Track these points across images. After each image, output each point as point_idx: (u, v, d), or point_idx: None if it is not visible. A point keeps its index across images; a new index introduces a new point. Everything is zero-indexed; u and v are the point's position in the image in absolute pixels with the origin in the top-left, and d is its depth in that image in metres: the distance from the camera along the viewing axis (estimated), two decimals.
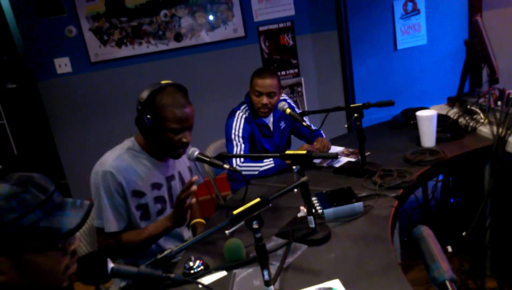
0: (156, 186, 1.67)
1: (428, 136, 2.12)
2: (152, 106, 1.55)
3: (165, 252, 1.05)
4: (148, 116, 1.55)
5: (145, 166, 1.64)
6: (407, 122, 2.53)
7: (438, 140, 2.14)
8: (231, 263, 1.38)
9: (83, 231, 1.77)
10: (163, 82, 1.61)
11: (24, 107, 3.69)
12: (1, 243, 0.80)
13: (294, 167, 1.39)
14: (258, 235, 1.09)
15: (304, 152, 1.42)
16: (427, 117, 2.09)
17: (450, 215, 2.65)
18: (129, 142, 1.66)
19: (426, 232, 0.71)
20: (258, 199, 1.10)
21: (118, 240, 1.60)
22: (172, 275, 1.01)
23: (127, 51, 3.58)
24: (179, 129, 1.58)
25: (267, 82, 2.21)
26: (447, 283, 0.62)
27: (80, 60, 3.57)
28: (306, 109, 3.74)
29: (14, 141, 3.66)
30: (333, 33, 3.62)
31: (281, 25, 3.61)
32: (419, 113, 2.13)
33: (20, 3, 3.42)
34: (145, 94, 1.55)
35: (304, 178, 1.26)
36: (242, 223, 1.08)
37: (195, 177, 1.50)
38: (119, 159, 1.58)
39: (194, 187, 1.48)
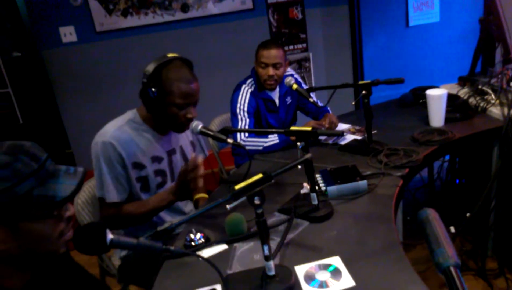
0: (156, 159, 1.66)
1: (437, 116, 2.08)
2: (157, 80, 1.52)
3: (165, 225, 1.05)
4: (153, 90, 1.52)
5: (146, 139, 1.63)
6: (416, 101, 2.48)
7: (447, 120, 2.10)
8: (232, 237, 1.38)
9: (85, 199, 1.78)
10: (169, 55, 1.57)
11: (29, 76, 3.67)
12: None
13: (298, 143, 1.37)
14: (259, 211, 1.08)
15: (310, 128, 1.39)
16: (437, 96, 2.05)
17: (454, 196, 2.63)
18: (131, 114, 1.65)
19: (432, 215, 0.69)
20: (260, 175, 1.09)
21: (119, 210, 1.61)
22: (172, 248, 1.00)
23: (133, 21, 3.52)
24: (184, 105, 1.55)
25: (273, 53, 2.16)
26: (452, 269, 0.60)
27: (85, 30, 3.52)
28: (313, 85, 3.69)
29: (19, 110, 3.66)
30: (343, 7, 3.53)
31: None
32: (428, 92, 2.08)
33: None
34: (151, 67, 1.52)
35: (308, 155, 1.24)
36: (244, 198, 1.07)
37: (200, 159, 1.50)
38: (119, 130, 1.57)
39: (202, 170, 1.48)
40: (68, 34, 3.53)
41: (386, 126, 2.19)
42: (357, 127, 2.23)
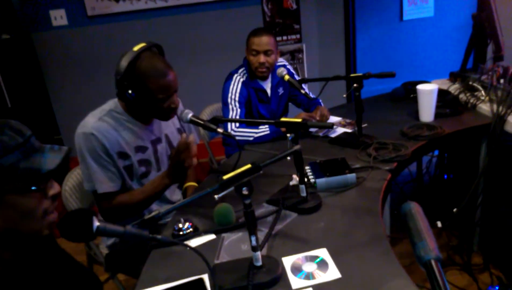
0: (140, 149, 1.64)
1: (427, 111, 2.09)
2: (132, 79, 1.47)
3: (153, 213, 1.04)
4: (130, 91, 1.48)
5: (128, 129, 1.59)
6: (407, 95, 2.49)
7: (437, 115, 2.11)
8: (220, 227, 1.38)
9: (72, 186, 1.77)
10: (136, 47, 1.49)
11: (18, 59, 3.60)
12: None
13: (288, 135, 1.37)
14: (247, 201, 1.08)
15: (300, 120, 1.39)
16: (427, 91, 2.05)
17: (442, 191, 2.66)
18: (112, 104, 1.60)
19: (415, 209, 0.69)
20: (249, 165, 1.09)
21: (114, 201, 1.58)
22: (159, 236, 1.00)
23: (125, 6, 3.46)
24: (165, 98, 1.52)
25: (264, 40, 2.15)
26: (432, 262, 0.61)
27: (76, 13, 3.46)
28: (306, 76, 3.68)
29: (7, 94, 3.59)
30: None
31: None
32: (419, 87, 2.09)
33: None
34: (122, 66, 1.45)
35: (297, 147, 1.24)
36: (232, 188, 1.07)
37: (191, 137, 1.47)
38: (100, 121, 1.53)
39: (194, 148, 1.46)
40: (58, 17, 3.47)
41: (376, 120, 2.20)
42: (348, 120, 2.23)
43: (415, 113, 2.18)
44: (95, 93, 3.56)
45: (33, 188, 0.86)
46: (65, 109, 3.69)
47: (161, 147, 1.71)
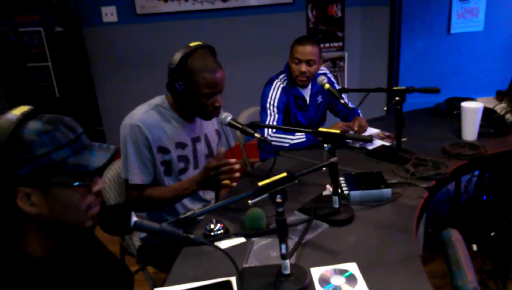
0: (180, 145, 1.69)
1: (470, 129, 2.02)
2: (183, 71, 1.54)
3: (187, 214, 1.07)
4: (180, 82, 1.54)
5: (171, 125, 1.65)
6: (450, 111, 2.42)
7: (480, 135, 2.04)
8: (251, 231, 1.39)
9: (112, 178, 1.83)
10: (192, 44, 1.57)
11: (69, 52, 3.77)
12: (33, 175, 0.84)
13: (325, 145, 1.37)
14: (280, 209, 1.09)
15: (338, 131, 1.39)
16: (472, 109, 1.99)
17: (480, 212, 2.57)
18: (159, 99, 1.67)
19: (455, 236, 0.68)
20: (284, 174, 1.09)
21: (143, 193, 1.64)
22: (192, 236, 1.02)
23: (173, 6, 3.55)
24: (210, 94, 1.57)
25: (307, 50, 2.15)
26: None
27: (126, 11, 3.58)
28: (345, 85, 3.64)
29: (56, 84, 3.77)
30: (384, 8, 3.46)
31: None
32: (464, 104, 2.03)
33: None
34: (176, 59, 1.53)
35: (333, 159, 1.24)
36: (266, 195, 1.08)
37: (222, 150, 1.53)
38: (147, 114, 1.60)
39: (237, 174, 1.51)
40: (109, 14, 3.61)
41: (416, 135, 2.15)
42: (387, 133, 2.19)
43: (457, 131, 2.12)
44: (138, 89, 3.68)
45: (79, 183, 0.90)
46: (109, 102, 3.83)
47: (200, 146, 1.76)
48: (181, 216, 1.04)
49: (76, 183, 0.89)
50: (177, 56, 1.53)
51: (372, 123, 2.37)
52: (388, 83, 3.58)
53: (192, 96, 1.57)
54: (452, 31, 3.55)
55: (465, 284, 0.61)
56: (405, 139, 2.01)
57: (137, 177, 1.61)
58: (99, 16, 3.60)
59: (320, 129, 1.43)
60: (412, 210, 1.47)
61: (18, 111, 0.86)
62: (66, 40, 3.75)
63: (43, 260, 0.92)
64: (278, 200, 1.08)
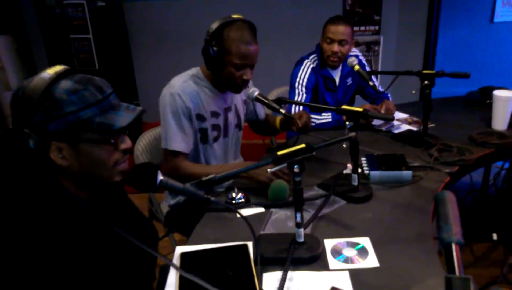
0: (214, 114, 1.75)
1: (501, 118, 1.99)
2: (219, 38, 1.58)
3: (210, 176, 1.13)
4: (214, 48, 1.59)
5: (206, 94, 1.71)
6: (483, 100, 2.37)
7: (511, 125, 2.00)
8: (273, 202, 1.44)
9: (144, 146, 1.93)
10: (234, 16, 1.62)
11: (109, 25, 3.90)
12: (63, 131, 0.92)
13: (347, 122, 1.39)
14: (297, 179, 1.14)
15: (361, 109, 1.41)
16: (504, 97, 1.95)
17: (506, 205, 2.52)
18: (194, 70, 1.74)
19: (449, 197, 0.71)
20: (303, 145, 1.14)
21: (182, 163, 1.68)
22: (213, 198, 1.09)
23: None
24: (240, 65, 1.61)
25: (340, 29, 2.15)
26: (453, 245, 0.63)
27: None
28: (380, 70, 3.59)
29: (96, 56, 3.92)
30: None
31: None
32: (496, 92, 1.99)
33: None
34: (214, 25, 1.58)
35: (352, 134, 1.27)
36: (285, 164, 1.13)
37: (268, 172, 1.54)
38: (185, 83, 1.67)
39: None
40: None
41: (445, 122, 2.13)
42: (415, 118, 2.18)
43: (488, 120, 2.08)
44: (174, 64, 3.76)
45: (105, 141, 0.97)
46: (146, 76, 3.95)
47: (231, 115, 1.82)
48: (203, 178, 1.11)
49: (102, 141, 0.96)
50: (216, 24, 1.58)
51: (402, 108, 2.36)
52: (423, 69, 3.50)
53: (223, 63, 1.61)
54: (496, 19, 3.41)
55: (450, 236, 0.64)
56: (432, 125, 2.00)
57: (178, 145, 1.66)
58: None
59: (343, 107, 1.45)
60: (431, 193, 1.48)
61: (52, 70, 0.93)
62: (107, 14, 3.87)
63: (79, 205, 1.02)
64: (296, 170, 1.13)
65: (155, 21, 3.77)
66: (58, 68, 0.95)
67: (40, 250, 0.88)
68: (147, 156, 1.94)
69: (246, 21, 1.64)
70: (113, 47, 3.95)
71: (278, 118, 1.92)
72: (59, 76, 0.93)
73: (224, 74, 1.64)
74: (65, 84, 0.93)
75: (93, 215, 0.96)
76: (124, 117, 0.98)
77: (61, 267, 0.91)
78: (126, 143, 1.03)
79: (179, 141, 1.66)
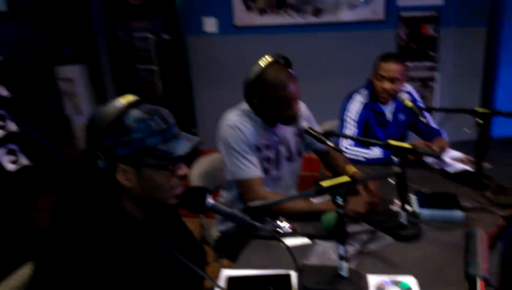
0: (267, 147, 1.81)
1: None
2: (256, 89, 1.65)
3: (257, 203, 1.19)
4: (255, 100, 1.67)
5: (259, 128, 1.78)
6: None
7: None
8: (325, 231, 1.45)
9: (199, 172, 2.01)
10: (264, 60, 1.67)
11: (173, 57, 4.17)
12: (129, 156, 1.02)
13: (395, 158, 1.40)
14: (340, 211, 1.16)
15: (409, 146, 1.41)
16: None
17: None
18: (245, 105, 1.79)
19: (481, 235, 0.71)
20: (347, 178, 1.16)
21: (262, 192, 1.70)
22: (258, 224, 1.13)
23: (268, 19, 3.76)
24: (283, 107, 1.66)
25: (392, 67, 2.16)
26: (478, 279, 0.63)
27: (226, 23, 3.87)
28: (436, 106, 3.52)
29: (160, 86, 4.19)
30: (481, 30, 3.30)
31: (426, 13, 3.40)
32: None
33: None
34: (249, 76, 1.66)
35: (396, 169, 1.27)
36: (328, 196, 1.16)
37: None
38: (241, 117, 1.75)
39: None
40: (210, 25, 3.93)
41: (505, 163, 2.04)
42: (471, 158, 2.11)
43: None
44: (232, 96, 3.91)
45: (164, 167, 1.06)
46: (204, 106, 4.15)
47: (282, 148, 1.87)
48: (250, 204, 1.16)
49: (162, 166, 1.06)
50: (250, 75, 1.66)
51: (458, 146, 2.29)
52: (482, 106, 3.39)
53: (268, 109, 1.69)
54: None
55: (476, 271, 0.64)
56: (490, 166, 1.93)
57: (248, 171, 1.70)
58: (201, 26, 3.94)
59: (391, 142, 1.46)
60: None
61: (124, 100, 1.05)
62: (171, 47, 4.15)
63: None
64: (339, 202, 1.16)
65: (214, 54, 3.99)
66: (130, 98, 1.06)
67: (95, 263, 0.97)
68: (202, 181, 2.03)
69: (277, 61, 1.69)
70: (175, 78, 4.20)
71: (351, 168, 1.86)
72: (130, 106, 1.04)
73: (270, 115, 1.72)
74: (135, 113, 1.03)
75: (146, 233, 1.04)
76: (183, 146, 1.06)
77: (114, 281, 0.99)
78: (183, 170, 1.11)
79: (249, 166, 1.70)
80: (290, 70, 1.71)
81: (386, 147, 1.47)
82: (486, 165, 1.84)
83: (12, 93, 2.91)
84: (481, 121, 1.73)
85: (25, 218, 2.99)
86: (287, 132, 1.89)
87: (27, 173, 3.12)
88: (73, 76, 4.26)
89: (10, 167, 2.94)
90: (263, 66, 1.66)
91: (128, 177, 1.04)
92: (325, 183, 1.14)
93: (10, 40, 4.25)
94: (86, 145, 1.06)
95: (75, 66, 4.30)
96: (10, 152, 2.97)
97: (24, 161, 3.00)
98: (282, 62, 1.72)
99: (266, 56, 1.69)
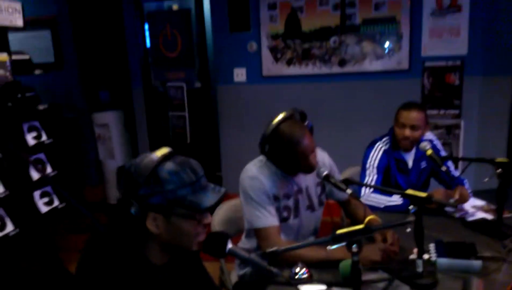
0: (286, 196, 1.87)
1: None
2: (272, 144, 1.74)
3: (274, 248, 1.25)
4: (273, 155, 1.75)
5: (278, 177, 1.84)
6: None
7: None
8: (342, 278, 1.47)
9: (220, 217, 2.09)
10: (278, 117, 1.75)
11: (203, 104, 4.38)
12: (161, 205, 1.11)
13: (411, 207, 1.44)
14: (355, 259, 1.21)
15: (425, 194, 1.45)
16: None
17: None
18: (263, 157, 1.86)
19: (477, 283, 0.74)
20: (362, 226, 1.22)
21: (278, 240, 1.74)
22: (274, 270, 1.19)
23: (294, 70, 3.94)
24: (300, 160, 1.73)
25: (412, 115, 2.22)
26: None
27: (254, 73, 4.08)
28: (461, 154, 3.51)
29: (189, 131, 4.38)
30: (507, 78, 3.34)
31: (450, 63, 3.49)
32: None
33: (217, 19, 4.11)
34: (265, 133, 1.75)
35: (411, 218, 1.31)
36: (344, 243, 1.21)
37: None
38: (261, 169, 1.83)
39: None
40: (240, 74, 4.14)
41: None
42: (492, 207, 2.11)
43: None
44: (257, 142, 4.05)
45: (192, 216, 1.14)
46: (230, 152, 4.29)
47: (302, 198, 1.92)
48: (268, 250, 1.23)
49: (190, 216, 1.14)
50: (266, 131, 1.74)
51: (480, 194, 2.29)
52: (508, 156, 3.36)
53: (284, 162, 1.76)
54: None
55: None
56: (511, 215, 1.92)
57: (266, 220, 1.76)
58: (231, 76, 4.15)
59: (407, 191, 1.50)
60: (502, 286, 1.42)
61: (160, 153, 1.15)
62: (202, 95, 4.38)
63: (159, 267, 1.19)
64: (354, 249, 1.21)
65: (243, 101, 4.17)
66: (164, 150, 1.16)
67: None
68: (223, 226, 2.11)
69: (293, 116, 1.77)
70: (204, 123, 4.40)
71: (368, 218, 1.80)
72: (164, 158, 1.14)
73: (288, 167, 1.79)
74: (168, 165, 1.12)
75: (164, 279, 1.12)
76: (210, 198, 1.15)
77: None
78: (208, 219, 1.19)
79: (267, 216, 1.76)
80: (305, 122, 1.80)
81: (403, 196, 1.51)
82: (507, 213, 1.84)
83: (52, 138, 3.13)
84: (500, 170, 1.75)
85: (52, 258, 3.10)
86: (309, 181, 1.93)
87: (59, 213, 3.25)
88: (108, 121, 4.53)
89: (44, 209, 3.08)
90: (277, 122, 1.74)
91: (157, 224, 1.12)
92: (340, 231, 1.20)
93: (54, 89, 4.61)
94: (121, 193, 1.15)
95: (111, 112, 4.58)
96: (44, 194, 3.12)
97: (56, 202, 3.15)
98: (297, 116, 1.81)
99: (281, 113, 1.77)
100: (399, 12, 3.55)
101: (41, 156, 3.13)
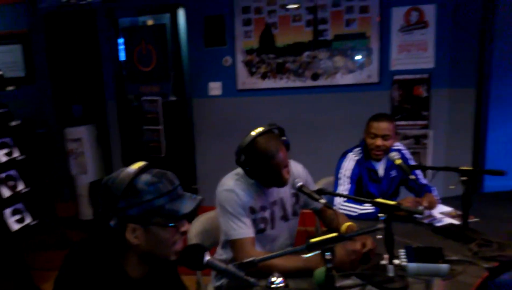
0: (262, 208, 1.91)
1: None
2: (248, 156, 1.79)
3: (250, 258, 1.28)
4: (247, 168, 1.80)
5: (255, 190, 1.88)
6: None
7: None
8: (317, 286, 1.50)
9: (197, 231, 2.11)
10: (254, 131, 1.81)
11: (178, 118, 4.39)
12: (139, 216, 1.13)
13: (380, 215, 1.51)
14: (329, 265, 1.26)
15: (394, 202, 1.52)
16: None
17: None
18: (240, 170, 1.90)
19: (438, 284, 0.80)
20: (335, 234, 1.27)
21: (253, 252, 1.75)
22: (251, 279, 1.23)
23: (269, 83, 4.02)
24: (275, 173, 1.78)
25: (383, 126, 2.32)
26: None
27: (229, 86, 4.13)
28: (429, 163, 3.65)
29: (164, 145, 4.38)
30: (470, 90, 3.51)
31: (418, 76, 3.64)
32: None
33: (193, 34, 4.16)
34: (240, 146, 1.80)
35: (379, 225, 1.38)
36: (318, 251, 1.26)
37: None
38: (238, 181, 1.86)
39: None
40: (215, 88, 4.19)
41: (490, 217, 2.13)
42: (459, 212, 2.20)
43: None
44: (232, 154, 4.08)
45: (170, 225, 1.17)
46: (205, 164, 4.31)
47: (277, 209, 1.96)
48: (245, 261, 1.26)
49: (169, 224, 1.17)
50: (241, 145, 1.79)
51: (448, 201, 2.39)
52: (473, 164, 3.51)
53: (259, 175, 1.81)
54: None
55: None
56: (476, 219, 2.02)
57: (241, 231, 1.79)
58: (206, 89, 4.19)
59: (377, 199, 1.57)
60: (468, 287, 1.50)
61: (136, 166, 1.18)
62: (178, 108, 4.39)
63: (137, 280, 1.21)
64: (328, 257, 1.25)
65: (218, 115, 4.21)
66: (140, 164, 1.19)
67: None
68: (199, 238, 2.12)
69: (270, 130, 1.82)
70: (179, 137, 4.40)
71: (346, 224, 1.91)
72: (141, 171, 1.17)
73: (262, 180, 1.84)
74: (145, 177, 1.15)
75: None
76: (187, 205, 1.18)
77: None
78: (185, 227, 1.22)
79: (242, 227, 1.79)
80: (283, 138, 1.85)
81: (374, 204, 1.58)
82: (473, 218, 1.93)
83: (24, 154, 3.08)
84: (465, 178, 1.85)
85: (23, 275, 3.03)
86: (284, 192, 1.98)
87: (30, 231, 3.19)
88: (81, 135, 4.46)
89: (15, 226, 3.02)
90: (255, 134, 1.79)
91: (137, 235, 1.15)
92: (314, 239, 1.24)
93: (26, 103, 4.53)
94: (99, 207, 1.17)
95: (84, 126, 4.51)
96: (16, 211, 3.06)
97: (28, 219, 3.10)
98: (274, 131, 1.85)
99: (257, 129, 1.82)
100: (369, 28, 3.69)
101: (13, 173, 3.08)
